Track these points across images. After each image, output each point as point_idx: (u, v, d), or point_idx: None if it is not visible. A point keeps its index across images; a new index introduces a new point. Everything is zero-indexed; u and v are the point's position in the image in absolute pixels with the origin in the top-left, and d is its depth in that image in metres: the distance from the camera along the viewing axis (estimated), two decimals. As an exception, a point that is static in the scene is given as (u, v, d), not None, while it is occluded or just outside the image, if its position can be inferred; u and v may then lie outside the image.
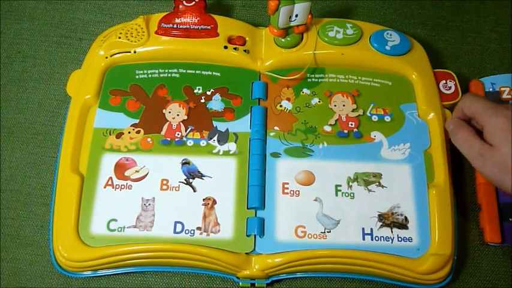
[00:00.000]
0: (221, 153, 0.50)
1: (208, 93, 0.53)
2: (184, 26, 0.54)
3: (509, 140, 0.41)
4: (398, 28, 0.56)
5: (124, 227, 0.47)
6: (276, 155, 0.50)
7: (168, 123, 0.51)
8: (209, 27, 0.54)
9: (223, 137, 0.51)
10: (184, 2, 0.55)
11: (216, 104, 0.53)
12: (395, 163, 0.50)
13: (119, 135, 0.51)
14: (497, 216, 0.50)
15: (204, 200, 0.48)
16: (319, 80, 0.54)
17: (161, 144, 0.50)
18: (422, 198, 0.48)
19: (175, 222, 0.47)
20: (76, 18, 0.62)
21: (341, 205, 0.48)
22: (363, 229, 0.47)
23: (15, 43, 0.61)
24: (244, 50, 0.54)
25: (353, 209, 0.48)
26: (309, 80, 0.54)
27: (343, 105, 0.53)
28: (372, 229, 0.47)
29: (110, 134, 0.51)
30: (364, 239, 0.47)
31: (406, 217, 0.48)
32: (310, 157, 0.50)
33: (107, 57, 0.54)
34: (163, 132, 0.51)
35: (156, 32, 0.54)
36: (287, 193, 0.48)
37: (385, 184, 0.49)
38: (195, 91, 0.53)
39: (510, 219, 0.51)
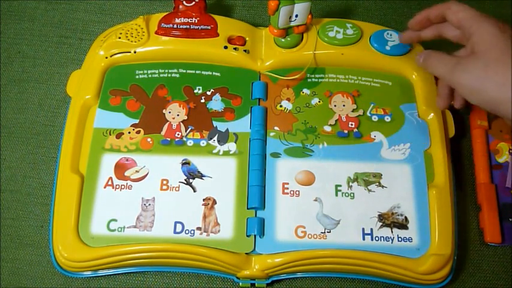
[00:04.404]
0: (221, 153, 0.50)
1: (208, 93, 0.53)
2: (184, 26, 0.54)
3: (498, 46, 0.39)
4: (398, 28, 0.56)
5: (124, 227, 0.47)
6: (276, 155, 0.50)
7: (168, 123, 0.51)
8: (209, 27, 0.54)
9: (223, 137, 0.51)
10: (184, 2, 0.55)
11: (216, 104, 0.53)
12: (396, 163, 0.50)
13: (119, 135, 0.51)
14: (497, 216, 0.50)
15: (204, 200, 0.48)
16: (319, 80, 0.54)
17: (161, 144, 0.50)
18: (422, 198, 0.48)
19: (175, 222, 0.47)
20: (76, 19, 0.62)
21: (341, 205, 0.48)
22: (363, 229, 0.47)
23: (15, 43, 0.61)
24: (244, 50, 0.54)
25: (353, 209, 0.48)
26: (309, 80, 0.54)
27: (343, 105, 0.53)
28: (372, 229, 0.47)
29: (110, 134, 0.51)
30: (364, 239, 0.47)
31: (406, 217, 0.48)
32: (310, 157, 0.50)
33: (107, 57, 0.54)
34: (163, 132, 0.51)
35: (156, 32, 0.54)
36: (287, 193, 0.48)
37: (385, 184, 0.49)
38: (195, 91, 0.53)
39: (510, 219, 0.51)
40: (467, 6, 0.43)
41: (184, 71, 0.54)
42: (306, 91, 0.53)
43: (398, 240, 0.47)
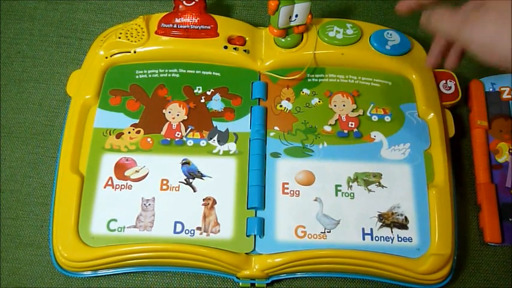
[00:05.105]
0: (221, 153, 0.50)
1: (208, 93, 0.53)
2: (184, 26, 0.54)
3: None
4: (398, 28, 0.56)
5: (124, 227, 0.47)
6: (276, 155, 0.50)
7: (168, 123, 0.51)
8: (209, 27, 0.54)
9: (223, 137, 0.51)
10: (184, 2, 0.55)
11: (216, 104, 0.53)
12: (395, 163, 0.50)
13: (119, 135, 0.51)
14: (497, 216, 0.50)
15: (204, 200, 0.48)
16: (319, 80, 0.54)
17: (161, 144, 0.50)
18: (422, 198, 0.48)
19: (175, 222, 0.47)
20: (76, 18, 0.62)
21: (341, 205, 0.48)
22: (363, 229, 0.47)
23: (15, 43, 0.61)
24: (244, 50, 0.54)
25: (353, 209, 0.48)
26: (309, 80, 0.54)
27: (343, 105, 0.53)
28: (372, 229, 0.47)
29: (110, 134, 0.51)
30: (364, 239, 0.47)
31: (406, 217, 0.48)
32: (310, 157, 0.50)
33: (107, 57, 0.54)
34: (163, 132, 0.51)
35: (156, 32, 0.54)
36: (287, 193, 0.48)
37: (385, 184, 0.49)
38: (195, 91, 0.53)
39: (510, 219, 0.51)
40: None
41: (184, 71, 0.54)
42: (306, 91, 0.53)
43: (398, 240, 0.47)
